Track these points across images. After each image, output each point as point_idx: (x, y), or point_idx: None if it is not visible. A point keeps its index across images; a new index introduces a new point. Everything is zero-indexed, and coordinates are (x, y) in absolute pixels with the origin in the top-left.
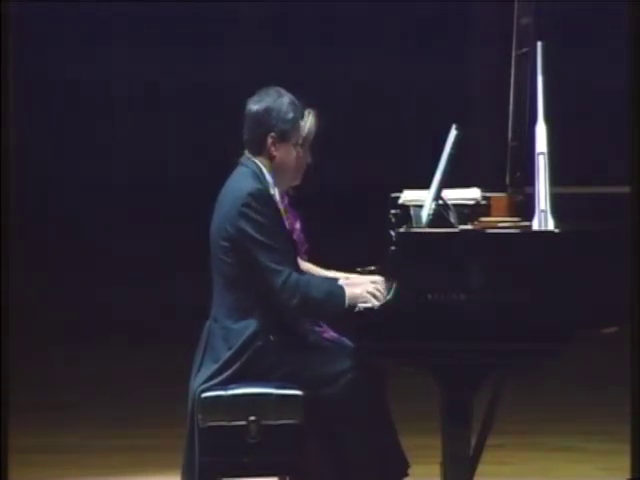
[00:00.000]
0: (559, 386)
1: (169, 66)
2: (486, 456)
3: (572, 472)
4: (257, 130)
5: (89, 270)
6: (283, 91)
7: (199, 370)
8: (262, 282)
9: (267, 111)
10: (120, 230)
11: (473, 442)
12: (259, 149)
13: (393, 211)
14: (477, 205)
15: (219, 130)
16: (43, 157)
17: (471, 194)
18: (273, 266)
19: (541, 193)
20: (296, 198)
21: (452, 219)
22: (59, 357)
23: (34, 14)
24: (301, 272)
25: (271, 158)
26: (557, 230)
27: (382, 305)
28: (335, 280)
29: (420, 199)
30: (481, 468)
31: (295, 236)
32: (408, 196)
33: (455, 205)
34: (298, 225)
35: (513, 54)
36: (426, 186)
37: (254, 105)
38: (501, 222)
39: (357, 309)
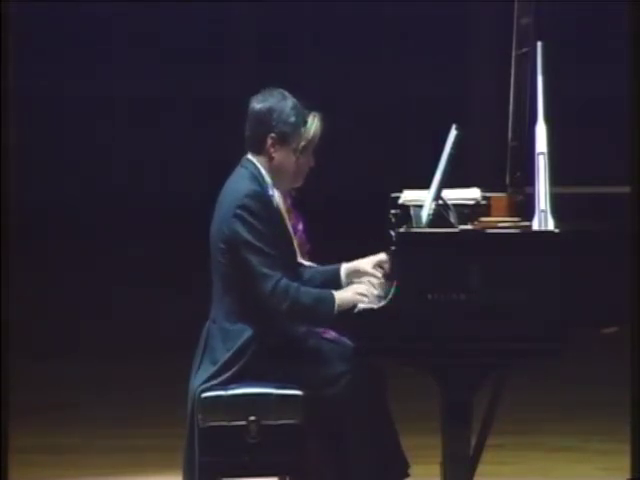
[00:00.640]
0: (559, 386)
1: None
2: (486, 456)
3: (572, 472)
4: (257, 129)
5: (89, 270)
6: (287, 94)
7: (198, 371)
8: (252, 285)
9: (269, 111)
10: (120, 230)
11: (473, 442)
12: (259, 148)
13: (393, 211)
14: (477, 205)
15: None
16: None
17: (471, 194)
18: (264, 270)
19: (541, 193)
20: (299, 199)
21: (452, 219)
22: (59, 357)
23: (37, 21)
24: (300, 274)
25: (270, 159)
26: (557, 230)
27: (382, 305)
28: (337, 272)
29: (420, 199)
30: (481, 468)
31: (297, 237)
32: (408, 196)
33: (455, 205)
34: (301, 226)
35: (513, 54)
36: (426, 186)
37: (257, 104)
38: (501, 222)
39: (357, 309)
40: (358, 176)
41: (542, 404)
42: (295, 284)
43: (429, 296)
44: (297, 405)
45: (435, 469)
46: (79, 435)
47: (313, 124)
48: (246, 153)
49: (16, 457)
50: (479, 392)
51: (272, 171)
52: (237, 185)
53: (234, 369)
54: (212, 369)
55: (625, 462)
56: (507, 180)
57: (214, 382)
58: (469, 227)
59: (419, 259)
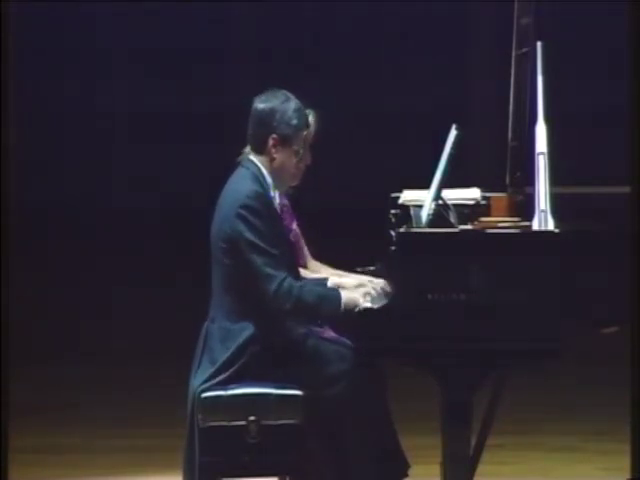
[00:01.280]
0: (559, 386)
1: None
2: (486, 456)
3: (572, 472)
4: (259, 129)
5: (89, 270)
6: (291, 96)
7: (197, 371)
8: (256, 285)
9: (272, 112)
10: (120, 230)
11: (473, 442)
12: (260, 148)
13: (393, 211)
14: (477, 205)
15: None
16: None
17: (471, 194)
18: (267, 271)
19: (541, 193)
20: (294, 198)
21: (452, 219)
22: (59, 357)
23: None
24: (298, 275)
25: (271, 160)
26: (557, 230)
27: (382, 305)
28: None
29: (420, 199)
30: (481, 468)
31: (291, 236)
32: (408, 196)
33: (455, 205)
34: (294, 226)
35: (513, 54)
36: (426, 186)
37: (260, 104)
38: (501, 222)
39: (357, 309)
40: (358, 176)
41: (542, 404)
42: (299, 283)
43: (429, 296)
44: (297, 405)
45: (435, 469)
46: (79, 435)
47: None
48: (244, 152)
49: (16, 457)
50: (479, 392)
51: (273, 172)
52: (239, 185)
53: (233, 369)
54: (211, 369)
55: (625, 462)
56: (507, 180)
57: (214, 382)
58: (469, 227)
59: (419, 259)
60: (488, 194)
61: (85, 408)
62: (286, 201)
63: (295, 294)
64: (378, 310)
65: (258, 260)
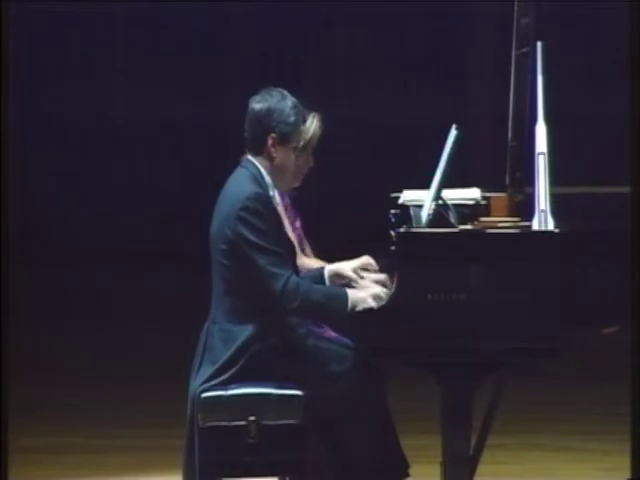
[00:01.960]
0: (559, 386)
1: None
2: (486, 456)
3: (572, 472)
4: (257, 130)
5: (89, 269)
6: (287, 93)
7: (198, 371)
8: (261, 286)
9: (269, 111)
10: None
11: (473, 442)
12: (259, 149)
13: (393, 211)
14: (477, 205)
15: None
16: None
17: (471, 194)
18: (273, 270)
19: (541, 193)
20: (298, 198)
21: (452, 219)
22: (59, 357)
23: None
24: (298, 273)
25: (270, 159)
26: (557, 230)
27: (382, 305)
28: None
29: (420, 199)
30: (481, 468)
31: (295, 235)
32: (408, 196)
33: (455, 205)
34: (298, 224)
35: (513, 54)
36: (426, 186)
37: (256, 104)
38: (501, 222)
39: (357, 309)
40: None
41: (542, 404)
42: (305, 281)
43: (429, 296)
44: (297, 405)
45: (435, 469)
46: (79, 435)
47: (312, 124)
48: (245, 153)
49: (16, 457)
50: (479, 392)
51: (273, 171)
52: (238, 187)
53: (234, 369)
54: (212, 369)
55: (625, 462)
56: (507, 180)
57: (214, 382)
58: (469, 227)
59: (419, 259)
60: (488, 194)
61: (85, 408)
62: (288, 200)
63: (302, 292)
64: (378, 310)
65: (262, 260)
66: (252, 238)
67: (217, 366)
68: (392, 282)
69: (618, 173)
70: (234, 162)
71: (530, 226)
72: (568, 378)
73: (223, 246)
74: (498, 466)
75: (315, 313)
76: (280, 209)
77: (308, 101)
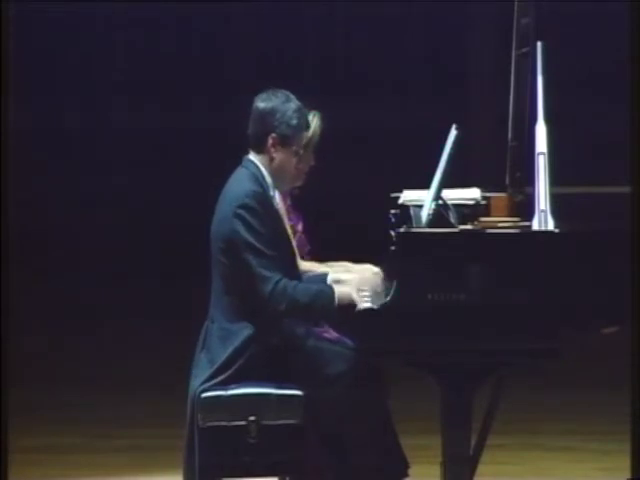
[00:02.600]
0: (559, 386)
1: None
2: (486, 456)
3: (572, 472)
4: (259, 128)
5: (88, 269)
6: (292, 96)
7: (197, 371)
8: (251, 287)
9: (272, 111)
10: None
11: (473, 442)
12: (260, 147)
13: (393, 211)
14: (477, 205)
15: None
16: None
17: (471, 194)
18: (263, 272)
19: (541, 193)
20: (300, 198)
21: (452, 219)
22: (59, 357)
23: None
24: (299, 275)
25: (270, 159)
26: (557, 230)
27: (382, 305)
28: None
29: (420, 199)
30: (481, 468)
31: (296, 238)
32: (408, 196)
33: (455, 205)
34: (300, 226)
35: (513, 54)
36: (426, 186)
37: (261, 102)
38: (501, 222)
39: (357, 309)
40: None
41: (542, 404)
42: (293, 282)
43: (429, 296)
44: (297, 405)
45: (435, 469)
46: (79, 435)
47: (313, 122)
48: (247, 153)
49: (16, 457)
50: (479, 392)
51: (272, 171)
52: (238, 185)
53: (233, 369)
54: (211, 369)
55: (625, 462)
56: (507, 180)
57: (213, 382)
58: (469, 227)
59: (419, 259)
60: (488, 194)
61: (85, 408)
62: (290, 202)
63: (289, 294)
64: (378, 310)
65: (254, 261)
66: (247, 237)
67: (216, 366)
68: (392, 282)
69: (618, 173)
70: (236, 162)
71: (530, 226)
72: (568, 378)
73: (222, 244)
74: (498, 466)
75: (303, 314)
76: (281, 210)
77: (308, 100)
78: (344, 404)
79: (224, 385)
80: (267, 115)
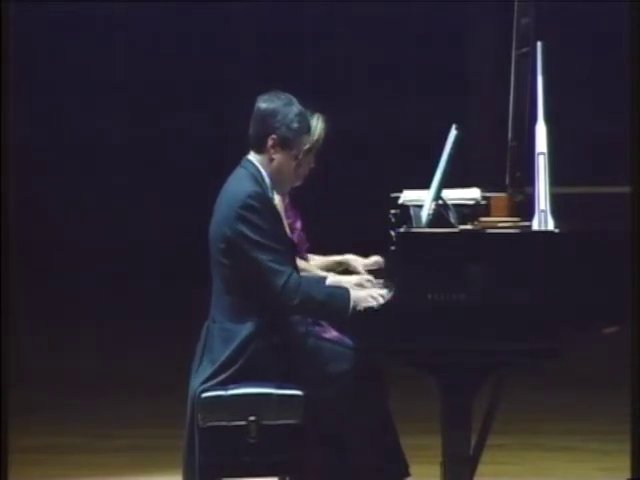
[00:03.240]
0: (559, 386)
1: None
2: (486, 456)
3: (572, 472)
4: (260, 128)
5: (88, 270)
6: (295, 100)
7: (198, 370)
8: (262, 282)
9: (273, 113)
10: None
11: (473, 442)
12: (260, 147)
13: (393, 211)
14: (477, 205)
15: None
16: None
17: (471, 194)
18: (275, 267)
19: (541, 193)
20: (298, 197)
21: (452, 219)
22: (59, 356)
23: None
24: (299, 272)
25: (270, 160)
26: (557, 230)
27: (382, 305)
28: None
29: (420, 199)
30: (481, 468)
31: (296, 236)
32: (408, 196)
33: (455, 205)
34: (299, 225)
35: (513, 54)
36: (426, 186)
37: (263, 103)
38: (501, 222)
39: (357, 309)
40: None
41: (542, 404)
42: (307, 278)
43: (429, 296)
44: (297, 405)
45: (435, 469)
46: (79, 435)
47: (317, 126)
48: (247, 153)
49: (16, 457)
50: (479, 392)
51: (271, 172)
52: (237, 186)
53: (233, 368)
54: (211, 369)
55: (625, 462)
56: (507, 180)
57: (214, 382)
58: (469, 227)
59: (419, 259)
60: (488, 194)
61: (85, 408)
62: (289, 202)
63: (303, 290)
64: (378, 310)
65: (263, 257)
66: (252, 236)
67: (216, 365)
68: (392, 282)
69: (618, 173)
70: (235, 163)
71: (530, 226)
72: (568, 378)
73: (222, 245)
74: (498, 466)
75: (316, 311)
76: (280, 211)
77: (308, 100)
78: (344, 404)
79: (224, 385)
80: (268, 116)
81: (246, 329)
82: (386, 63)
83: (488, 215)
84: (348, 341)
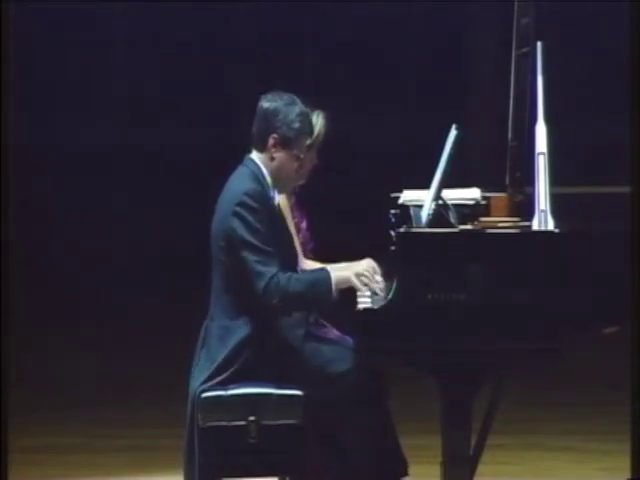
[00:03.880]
0: (559, 386)
1: None
2: (486, 456)
3: (572, 472)
4: (262, 127)
5: (89, 271)
6: (298, 101)
7: (197, 370)
8: (247, 283)
9: (275, 112)
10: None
11: (473, 442)
12: (261, 146)
13: (393, 211)
14: (477, 205)
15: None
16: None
17: (471, 194)
18: (258, 268)
19: (541, 193)
20: (304, 195)
21: (452, 219)
22: (59, 356)
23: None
24: (300, 273)
25: (271, 159)
26: (557, 230)
27: (382, 305)
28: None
29: (420, 199)
30: (481, 468)
31: (300, 235)
32: (408, 196)
33: (455, 205)
34: (304, 224)
35: (513, 54)
36: (426, 186)
37: (265, 102)
38: (501, 222)
39: (357, 308)
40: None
41: (542, 404)
42: (287, 275)
43: (429, 296)
44: (297, 405)
45: (435, 469)
46: (79, 435)
47: (317, 122)
48: (250, 152)
49: (16, 457)
50: (479, 392)
51: (272, 171)
52: (237, 184)
53: (232, 368)
54: (210, 368)
55: (625, 462)
56: (507, 180)
57: (213, 382)
58: (469, 227)
59: (419, 259)
60: (488, 194)
61: (85, 408)
62: (294, 201)
63: (282, 287)
64: (378, 310)
65: (250, 258)
66: (244, 235)
67: (215, 365)
68: (392, 282)
69: (618, 173)
70: (236, 162)
71: (530, 226)
72: (568, 378)
73: (222, 243)
74: (498, 466)
75: (298, 304)
76: (283, 209)
77: (308, 101)
78: (344, 404)
79: (224, 385)
80: (270, 115)
81: (244, 327)
82: (386, 63)
83: (488, 215)
84: (348, 341)
